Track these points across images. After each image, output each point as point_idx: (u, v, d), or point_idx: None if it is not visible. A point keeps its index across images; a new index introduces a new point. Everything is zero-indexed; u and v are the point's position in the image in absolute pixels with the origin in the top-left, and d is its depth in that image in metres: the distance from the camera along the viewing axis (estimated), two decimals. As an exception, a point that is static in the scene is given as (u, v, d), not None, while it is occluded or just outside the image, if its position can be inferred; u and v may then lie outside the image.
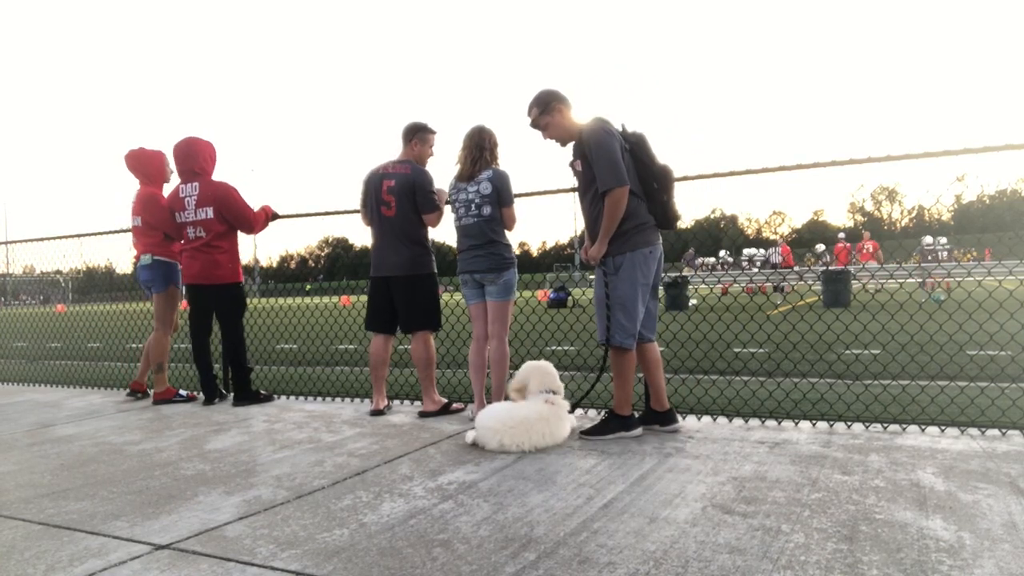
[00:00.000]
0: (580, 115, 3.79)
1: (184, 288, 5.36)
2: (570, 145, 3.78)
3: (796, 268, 19.43)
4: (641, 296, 3.60)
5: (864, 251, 18.84)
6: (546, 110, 3.73)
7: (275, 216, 5.46)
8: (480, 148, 4.22)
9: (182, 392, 5.49)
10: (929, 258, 18.37)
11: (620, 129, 3.65)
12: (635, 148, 3.60)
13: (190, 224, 5.06)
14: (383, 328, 4.63)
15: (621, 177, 3.46)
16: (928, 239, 19.87)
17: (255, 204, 5.32)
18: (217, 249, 5.07)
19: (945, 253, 19.82)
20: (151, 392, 5.65)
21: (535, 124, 3.79)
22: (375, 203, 4.49)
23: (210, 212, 5.01)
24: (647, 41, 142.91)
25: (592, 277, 3.96)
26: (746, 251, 28.01)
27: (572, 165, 3.77)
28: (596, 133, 3.53)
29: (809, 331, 5.64)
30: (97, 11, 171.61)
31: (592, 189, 3.60)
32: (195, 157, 5.08)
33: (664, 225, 3.68)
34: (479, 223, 4.19)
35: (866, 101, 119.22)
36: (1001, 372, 5.18)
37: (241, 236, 5.30)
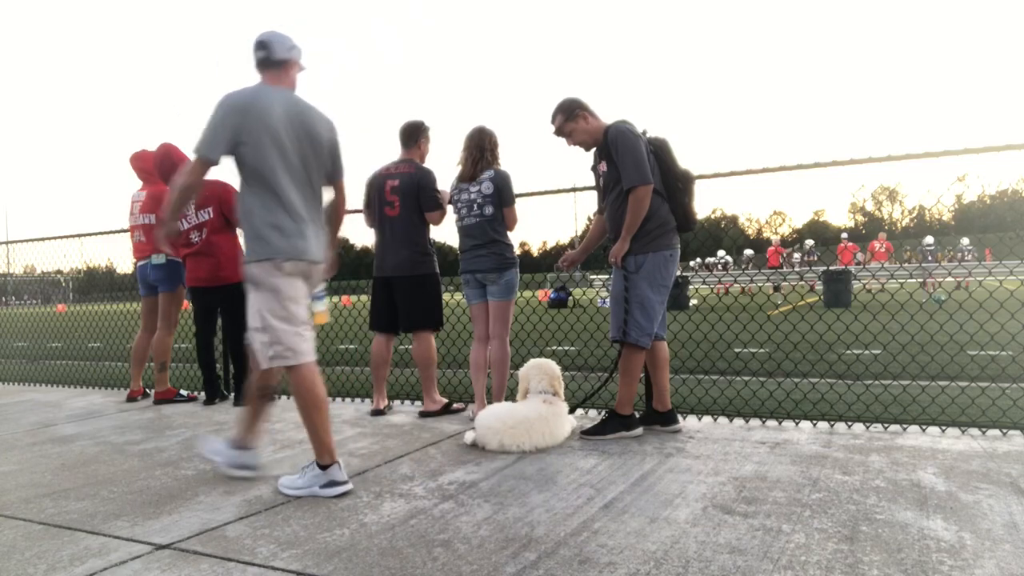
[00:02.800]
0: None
1: (187, 290, 5.36)
2: (592, 150, 3.82)
3: (796, 269, 19.43)
4: (661, 297, 3.64)
5: (878, 251, 18.77)
6: (571, 117, 3.75)
7: None
8: (481, 149, 4.23)
9: (183, 392, 5.49)
10: (930, 259, 18.33)
11: (643, 133, 3.69)
12: (658, 152, 3.65)
13: (193, 229, 5.05)
14: (385, 328, 4.63)
15: (646, 175, 3.50)
16: (929, 239, 19.83)
17: None
18: (220, 250, 5.06)
19: (966, 252, 19.76)
20: (151, 392, 5.65)
21: (560, 131, 3.80)
22: (379, 204, 4.49)
23: (211, 212, 5.00)
24: (647, 41, 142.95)
25: (593, 278, 3.97)
26: (718, 253, 27.88)
27: (595, 168, 3.80)
28: (623, 133, 3.57)
29: (810, 331, 5.64)
30: (98, 11, 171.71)
31: (616, 189, 3.63)
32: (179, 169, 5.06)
33: (684, 227, 3.73)
34: (481, 223, 4.20)
35: (866, 101, 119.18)
36: (1002, 372, 5.18)
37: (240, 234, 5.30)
